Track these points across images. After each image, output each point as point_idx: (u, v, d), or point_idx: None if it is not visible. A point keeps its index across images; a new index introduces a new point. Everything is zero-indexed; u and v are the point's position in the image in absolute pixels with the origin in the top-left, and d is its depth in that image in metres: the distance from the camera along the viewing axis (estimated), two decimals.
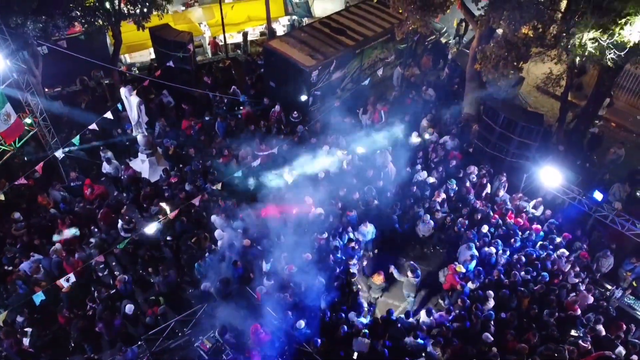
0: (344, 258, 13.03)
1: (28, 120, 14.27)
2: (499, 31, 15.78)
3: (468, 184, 15.16)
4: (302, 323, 11.15)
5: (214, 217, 13.60)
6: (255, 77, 19.96)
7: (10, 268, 12.85)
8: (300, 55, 17.49)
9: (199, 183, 14.54)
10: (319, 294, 12.02)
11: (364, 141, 16.31)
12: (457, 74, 19.83)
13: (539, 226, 14.06)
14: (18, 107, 13.88)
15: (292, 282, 12.15)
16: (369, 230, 13.87)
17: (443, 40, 22.96)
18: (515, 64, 14.05)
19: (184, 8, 22.74)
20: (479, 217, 14.18)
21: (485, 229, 13.75)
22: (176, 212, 12.15)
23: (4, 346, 11.16)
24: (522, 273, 12.74)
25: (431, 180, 15.22)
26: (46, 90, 17.99)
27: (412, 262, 13.06)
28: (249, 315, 11.48)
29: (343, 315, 11.76)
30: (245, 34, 22.97)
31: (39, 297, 10.56)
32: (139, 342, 11.29)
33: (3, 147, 13.66)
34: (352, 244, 13.24)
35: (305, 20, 23.29)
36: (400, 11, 15.62)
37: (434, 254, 14.73)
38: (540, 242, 13.74)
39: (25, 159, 14.25)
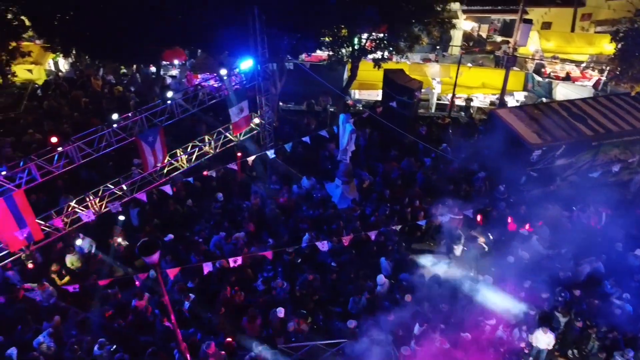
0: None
1: (256, 120, 15.97)
2: None
3: None
4: None
5: (382, 260, 13.18)
6: (471, 142, 19.22)
7: (201, 240, 14.19)
8: (526, 131, 16.43)
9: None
10: None
11: (572, 240, 14.23)
12: None
13: None
14: (252, 108, 15.64)
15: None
16: (546, 339, 11.85)
17: None
18: None
19: (421, 61, 23.37)
20: None
21: None
22: (349, 238, 12.07)
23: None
24: None
25: None
26: (280, 103, 20.10)
27: None
28: None
29: None
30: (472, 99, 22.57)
31: (207, 266, 11.44)
32: (275, 350, 11.32)
33: (230, 136, 15.47)
34: (522, 345, 11.44)
35: (543, 100, 21.83)
36: None
37: None
38: None
39: (239, 154, 15.89)
